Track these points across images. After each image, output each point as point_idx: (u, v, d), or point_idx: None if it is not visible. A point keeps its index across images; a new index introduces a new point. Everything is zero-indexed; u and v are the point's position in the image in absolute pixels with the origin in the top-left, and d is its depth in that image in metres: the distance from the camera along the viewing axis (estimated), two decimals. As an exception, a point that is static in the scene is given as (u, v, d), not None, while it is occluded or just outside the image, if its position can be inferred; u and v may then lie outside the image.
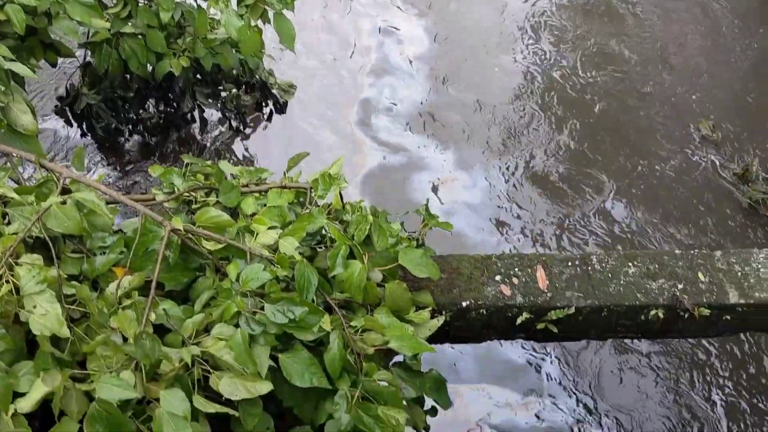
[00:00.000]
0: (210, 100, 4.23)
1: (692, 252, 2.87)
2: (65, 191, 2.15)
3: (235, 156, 4.78)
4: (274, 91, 4.51)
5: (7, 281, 1.88)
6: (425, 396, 2.49)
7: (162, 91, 4.18)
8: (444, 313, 2.64)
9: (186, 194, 2.45)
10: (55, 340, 1.94)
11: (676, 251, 2.87)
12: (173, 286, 2.24)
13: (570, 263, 2.77)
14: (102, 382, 1.82)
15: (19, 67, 2.45)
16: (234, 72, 4.23)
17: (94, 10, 3.03)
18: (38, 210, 2.01)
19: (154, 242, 2.16)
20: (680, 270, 2.80)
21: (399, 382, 2.35)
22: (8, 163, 2.28)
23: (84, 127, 3.95)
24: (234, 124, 4.65)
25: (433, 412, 2.67)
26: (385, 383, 2.23)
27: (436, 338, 2.71)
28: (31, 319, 1.84)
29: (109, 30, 3.38)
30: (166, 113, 4.64)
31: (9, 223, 2.08)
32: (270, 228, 2.28)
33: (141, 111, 4.41)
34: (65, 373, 1.84)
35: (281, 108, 4.71)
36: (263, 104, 4.66)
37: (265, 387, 2.01)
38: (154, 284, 2.02)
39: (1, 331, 1.87)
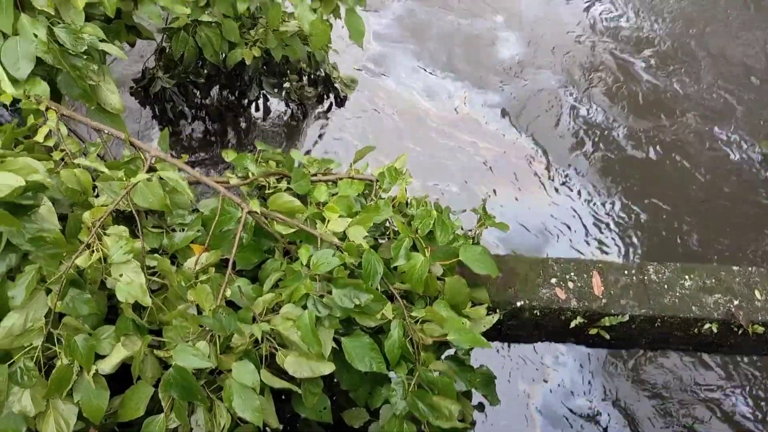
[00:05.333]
0: (275, 90, 4.34)
1: (750, 269, 2.88)
2: (151, 169, 2.27)
3: (294, 145, 4.89)
4: (336, 84, 4.61)
5: (96, 250, 2.00)
6: (474, 391, 2.55)
7: (230, 79, 4.31)
8: (498, 310, 2.70)
9: (260, 179, 2.55)
10: (135, 308, 2.07)
11: (734, 267, 2.88)
12: (244, 266, 2.35)
13: (626, 272, 2.80)
14: (179, 350, 1.93)
15: (111, 48, 2.58)
16: (300, 64, 4.35)
17: (178, -3, 3.16)
18: (126, 185, 2.13)
19: (230, 223, 2.26)
20: (737, 286, 2.81)
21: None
22: (98, 139, 2.41)
23: (157, 109, 4.11)
24: (296, 113, 4.77)
25: (480, 407, 2.74)
26: (440, 374, 2.30)
27: (488, 335, 2.77)
28: (118, 286, 1.96)
29: (188, 17, 3.51)
30: (228, 101, 4.78)
31: (97, 196, 2.21)
32: (339, 217, 2.37)
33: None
34: (146, 338, 1.96)
35: (341, 101, 4.82)
36: (325, 97, 4.77)
37: (328, 368, 2.10)
38: (231, 262, 2.13)
39: (87, 296, 1.99)
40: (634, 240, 4.30)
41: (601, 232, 4.35)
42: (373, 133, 5.12)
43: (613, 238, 4.32)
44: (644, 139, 5.03)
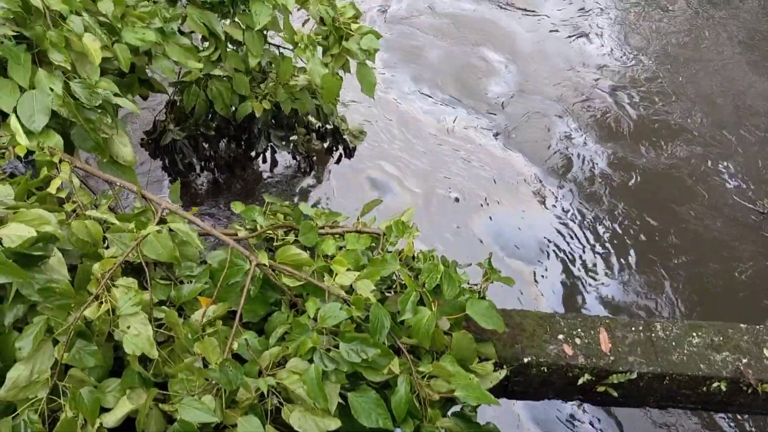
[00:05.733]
0: (283, 143, 4.39)
1: (758, 327, 2.86)
2: (161, 221, 2.29)
3: (301, 197, 4.93)
4: (345, 136, 4.66)
5: (105, 302, 2.01)
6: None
7: (238, 131, 4.37)
8: (505, 366, 2.67)
9: (268, 232, 2.57)
10: (141, 360, 2.06)
11: (741, 325, 2.86)
12: (250, 318, 2.35)
13: (633, 328, 2.78)
14: (185, 404, 1.92)
15: (125, 102, 2.63)
16: (308, 117, 4.41)
17: (190, 52, 3.24)
18: (137, 237, 2.15)
19: (239, 275, 2.27)
20: (745, 344, 2.79)
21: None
22: (110, 191, 2.44)
23: (166, 161, 4.15)
24: (302, 166, 4.82)
25: (486, 465, 2.69)
26: (446, 431, 2.27)
27: (493, 391, 2.74)
28: (126, 339, 1.95)
29: (200, 71, 3.58)
30: (236, 153, 4.84)
31: (107, 247, 2.22)
32: (347, 270, 2.38)
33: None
34: (152, 392, 1.95)
35: (350, 153, 4.86)
36: (333, 148, 4.82)
37: (334, 423, 2.08)
38: (239, 315, 2.13)
39: (93, 347, 1.99)
40: (623, 259, 4.42)
41: (592, 251, 4.50)
42: (372, 149, 5.24)
43: (603, 257, 4.46)
44: (634, 166, 5.22)
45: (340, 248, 2.56)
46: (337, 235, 2.71)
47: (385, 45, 6.31)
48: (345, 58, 3.54)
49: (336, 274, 2.35)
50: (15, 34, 2.38)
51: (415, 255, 2.64)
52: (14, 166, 3.20)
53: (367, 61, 3.51)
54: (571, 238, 4.58)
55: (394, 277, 2.58)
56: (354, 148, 4.81)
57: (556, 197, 4.88)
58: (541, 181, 5.03)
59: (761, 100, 5.89)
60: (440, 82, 6.00)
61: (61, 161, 2.34)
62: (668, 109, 5.75)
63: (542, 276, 4.31)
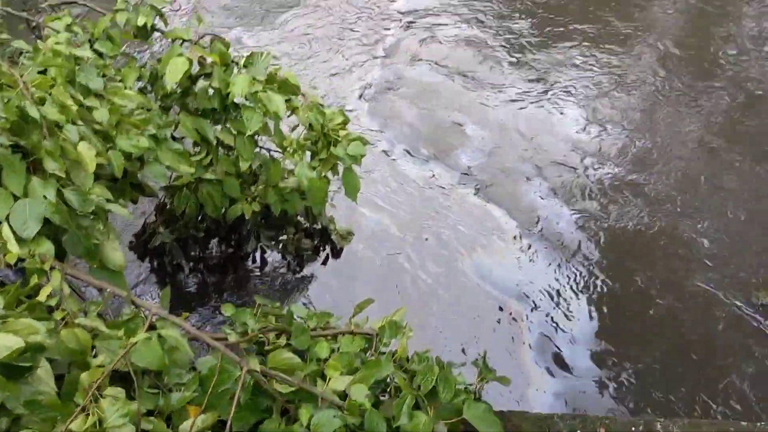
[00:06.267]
0: (272, 242, 4.42)
1: (759, 424, 2.82)
2: (151, 327, 2.26)
3: (292, 295, 4.90)
4: (332, 237, 4.69)
5: (92, 413, 1.95)
6: None
7: (228, 232, 4.39)
8: (504, 473, 2.59)
9: (259, 335, 2.53)
10: (128, 476, 1.98)
11: (742, 423, 2.82)
12: (240, 427, 2.27)
13: (634, 428, 2.73)
14: None
15: (117, 208, 2.65)
16: (298, 217, 4.45)
17: (183, 157, 3.29)
18: (125, 345, 2.11)
19: (229, 382, 2.22)
20: (747, 442, 2.73)
21: None
22: (99, 297, 2.41)
23: (155, 263, 4.15)
24: (292, 265, 4.81)
25: None
26: None
27: (493, 499, 2.64)
28: (113, 452, 1.88)
29: (192, 175, 3.63)
30: (226, 253, 4.84)
31: (95, 355, 2.18)
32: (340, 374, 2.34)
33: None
34: None
35: (337, 253, 4.88)
36: (321, 248, 4.84)
37: None
38: (229, 425, 2.07)
39: (79, 463, 1.91)
40: (597, 307, 4.72)
41: (565, 300, 4.79)
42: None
43: (577, 307, 4.74)
44: (604, 227, 5.44)
45: (333, 350, 2.53)
46: (329, 337, 2.68)
47: (367, 111, 6.76)
48: (333, 162, 3.61)
49: (329, 379, 2.30)
50: (11, 143, 2.42)
51: (409, 357, 2.60)
52: (5, 274, 3.18)
53: (354, 166, 3.59)
54: (545, 289, 4.88)
55: (389, 380, 2.53)
56: (341, 249, 4.83)
57: (530, 249, 5.23)
58: (515, 234, 5.39)
59: (735, 176, 6.00)
60: (418, 143, 6.35)
61: (51, 268, 2.32)
62: (640, 177, 5.98)
63: (518, 317, 4.62)
